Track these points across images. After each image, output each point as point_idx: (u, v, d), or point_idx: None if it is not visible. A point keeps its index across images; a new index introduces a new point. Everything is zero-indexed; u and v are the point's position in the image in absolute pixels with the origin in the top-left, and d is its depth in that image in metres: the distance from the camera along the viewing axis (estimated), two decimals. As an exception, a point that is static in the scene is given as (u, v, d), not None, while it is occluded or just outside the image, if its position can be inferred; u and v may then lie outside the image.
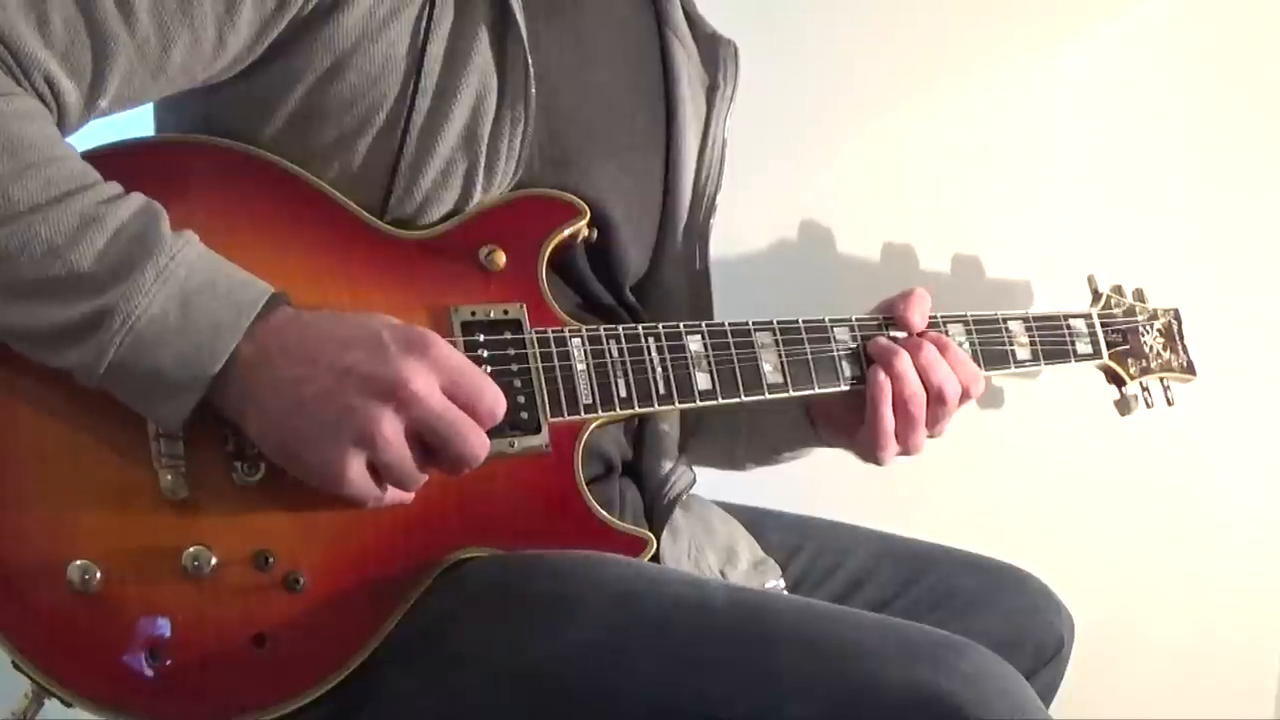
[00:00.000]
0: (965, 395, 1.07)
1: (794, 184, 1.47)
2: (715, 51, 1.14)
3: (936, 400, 1.04)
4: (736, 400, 0.98)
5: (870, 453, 1.06)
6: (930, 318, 1.10)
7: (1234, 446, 1.69)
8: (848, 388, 1.04)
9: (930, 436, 1.07)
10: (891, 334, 1.07)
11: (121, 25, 0.78)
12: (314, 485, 0.79)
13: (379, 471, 0.78)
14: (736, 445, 1.20)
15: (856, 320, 1.06)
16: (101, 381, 0.75)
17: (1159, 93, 1.58)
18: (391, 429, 0.77)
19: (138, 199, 0.78)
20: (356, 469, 0.77)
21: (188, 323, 0.74)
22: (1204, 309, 1.41)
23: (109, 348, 0.74)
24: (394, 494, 0.81)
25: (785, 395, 1.01)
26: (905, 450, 1.05)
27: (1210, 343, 1.39)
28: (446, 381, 0.79)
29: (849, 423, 1.07)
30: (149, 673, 0.77)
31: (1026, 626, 1.13)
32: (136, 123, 0.90)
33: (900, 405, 1.03)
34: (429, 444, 0.79)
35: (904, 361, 1.03)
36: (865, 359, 1.05)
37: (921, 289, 1.11)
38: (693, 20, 1.15)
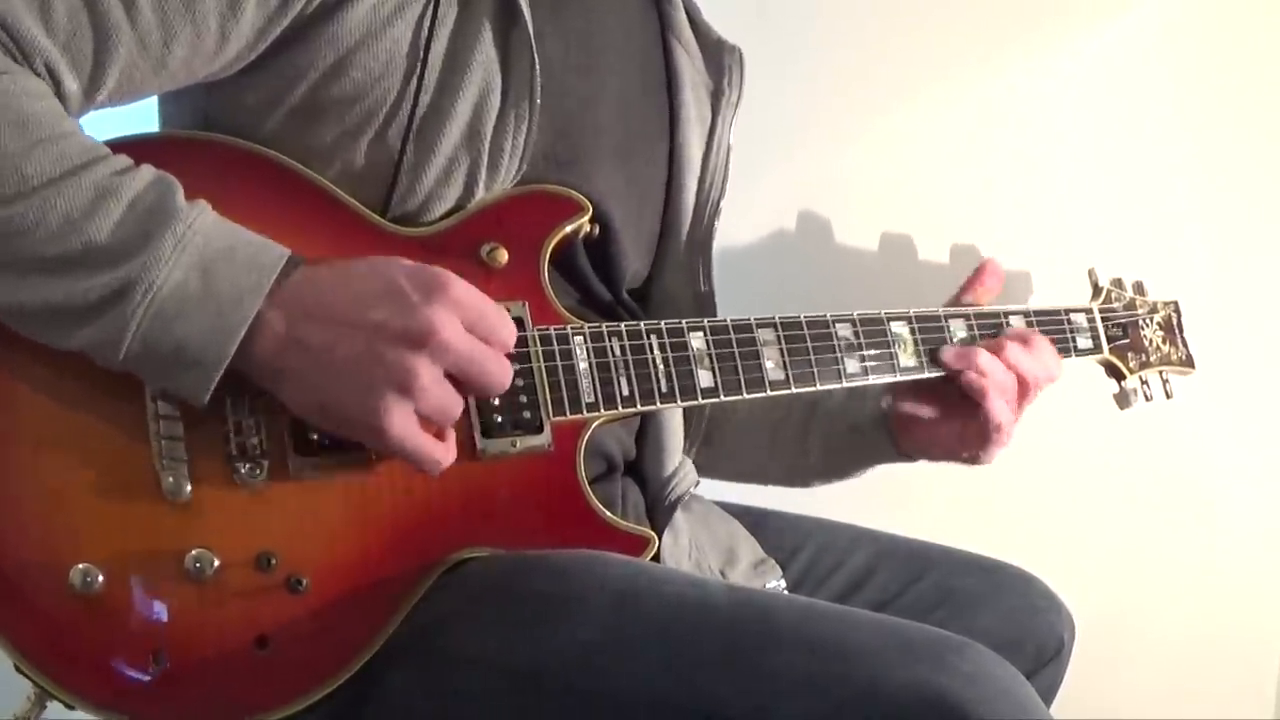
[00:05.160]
0: (1048, 380, 1.12)
1: (794, 181, 1.47)
2: (720, 57, 1.14)
3: (1024, 393, 1.09)
4: (739, 398, 0.98)
5: (980, 450, 1.10)
6: (931, 313, 1.11)
7: (1235, 445, 1.68)
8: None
9: None
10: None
11: (124, 17, 0.78)
12: (364, 443, 0.80)
13: (424, 419, 0.79)
14: (808, 471, 1.21)
15: (858, 315, 1.06)
16: (124, 358, 0.74)
17: (1159, 87, 1.58)
18: (429, 376, 0.77)
19: (150, 171, 0.77)
20: (400, 419, 0.77)
21: (209, 290, 0.74)
22: (1204, 302, 1.41)
23: (131, 321, 0.73)
24: (443, 449, 0.81)
25: (789, 390, 1.01)
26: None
27: (1210, 336, 1.39)
28: (467, 319, 0.79)
29: (939, 430, 1.11)
30: (150, 675, 0.77)
31: (1027, 626, 1.13)
32: (139, 117, 0.89)
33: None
34: (458, 380, 0.80)
35: (984, 357, 1.07)
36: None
37: (994, 261, 1.16)
38: (697, 26, 1.14)
